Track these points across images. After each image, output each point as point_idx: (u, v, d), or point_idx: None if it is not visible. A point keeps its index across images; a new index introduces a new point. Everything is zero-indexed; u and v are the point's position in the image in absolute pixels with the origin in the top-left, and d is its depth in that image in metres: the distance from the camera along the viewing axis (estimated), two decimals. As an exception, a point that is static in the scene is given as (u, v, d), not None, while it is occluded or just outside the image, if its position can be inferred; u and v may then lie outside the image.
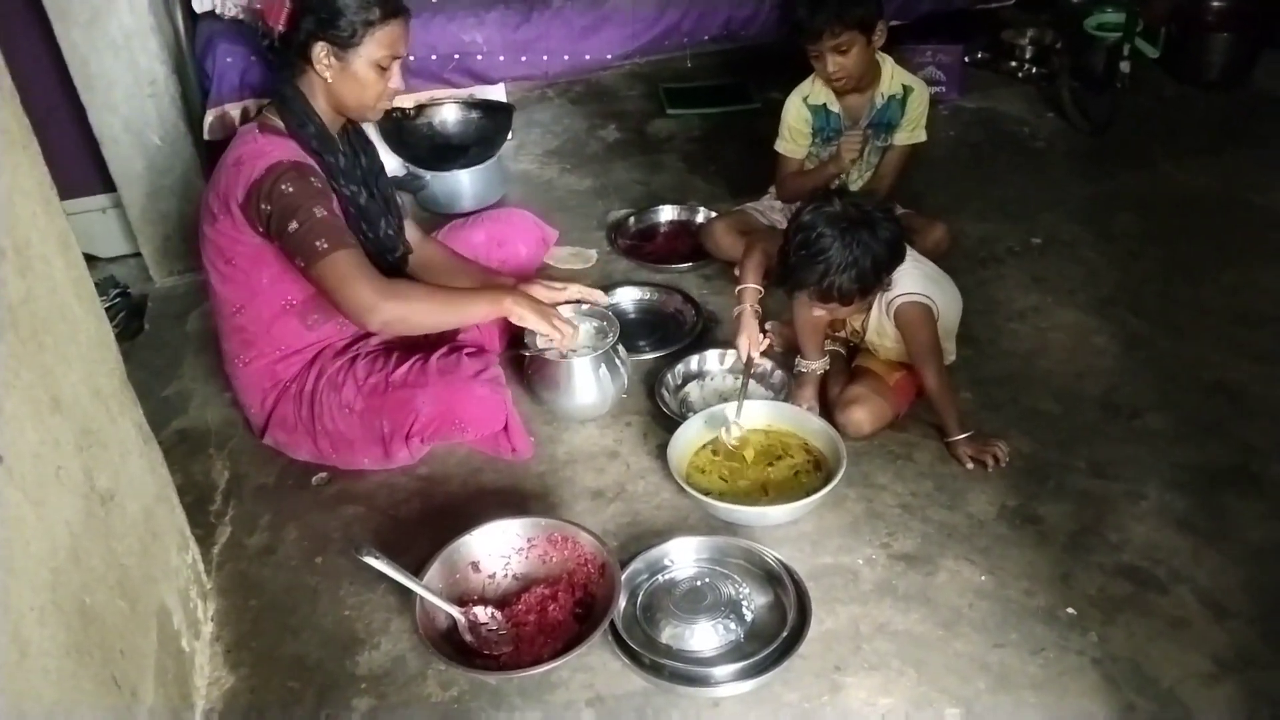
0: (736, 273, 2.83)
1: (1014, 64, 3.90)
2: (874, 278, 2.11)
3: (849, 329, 2.41)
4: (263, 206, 1.98)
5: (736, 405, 2.27)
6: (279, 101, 2.11)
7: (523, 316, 2.15)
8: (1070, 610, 1.89)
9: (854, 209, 2.10)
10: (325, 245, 1.96)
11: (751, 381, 2.45)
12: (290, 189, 1.97)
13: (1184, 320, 2.61)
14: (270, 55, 2.18)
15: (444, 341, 2.28)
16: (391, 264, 2.27)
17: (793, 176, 2.84)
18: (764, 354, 2.41)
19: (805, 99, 2.77)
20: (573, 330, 2.24)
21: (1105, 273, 2.81)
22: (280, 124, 2.09)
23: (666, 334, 2.69)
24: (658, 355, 2.58)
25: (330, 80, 2.07)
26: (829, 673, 1.80)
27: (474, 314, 2.18)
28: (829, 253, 2.06)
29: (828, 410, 2.34)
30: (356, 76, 2.07)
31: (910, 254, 2.22)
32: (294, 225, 1.96)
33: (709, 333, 2.67)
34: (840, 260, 2.06)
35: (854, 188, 2.79)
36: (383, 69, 2.08)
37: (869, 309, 2.27)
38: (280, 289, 2.13)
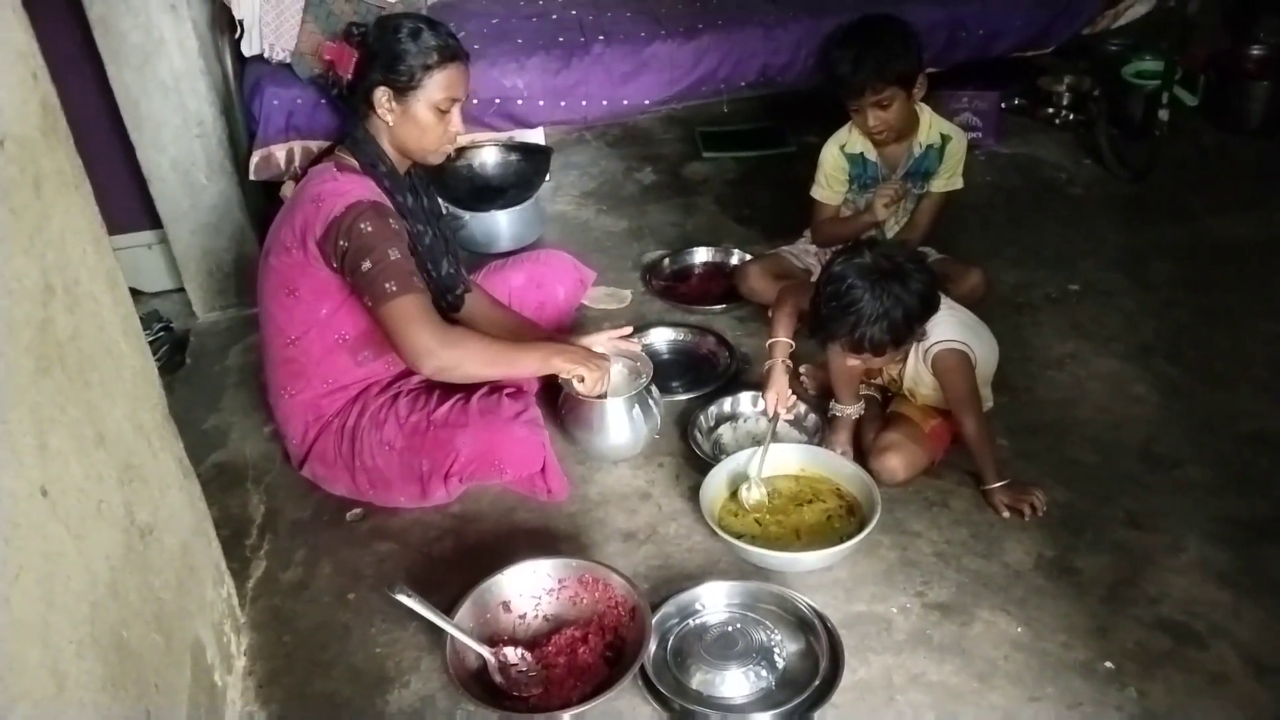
0: (770, 315, 2.84)
1: (1051, 110, 3.89)
2: (906, 329, 2.10)
3: (885, 377, 2.40)
4: (340, 243, 2.04)
5: (758, 463, 2.26)
6: (350, 144, 2.19)
7: (570, 371, 2.22)
8: (1108, 664, 1.86)
9: (885, 260, 2.09)
10: (394, 288, 2.00)
11: (786, 425, 2.45)
12: (369, 228, 2.02)
13: (1223, 370, 2.58)
14: (340, 103, 2.27)
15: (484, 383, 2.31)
16: (451, 303, 2.33)
17: (828, 223, 2.85)
18: (796, 399, 2.41)
19: (842, 147, 2.78)
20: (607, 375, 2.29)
21: (1143, 321, 2.79)
22: (354, 163, 2.16)
23: (700, 375, 2.69)
24: (690, 396, 2.58)
25: (392, 124, 2.16)
26: (861, 723, 1.78)
27: (524, 368, 2.24)
28: (860, 304, 2.05)
29: (862, 456, 2.32)
30: (416, 120, 2.15)
31: (945, 302, 2.21)
32: (367, 264, 2.01)
33: (742, 374, 2.67)
34: (871, 312, 2.04)
35: (889, 234, 2.80)
36: (442, 112, 2.16)
37: (905, 358, 2.26)
38: (336, 323, 2.18)
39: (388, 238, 2.04)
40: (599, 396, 2.29)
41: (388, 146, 2.19)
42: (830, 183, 2.81)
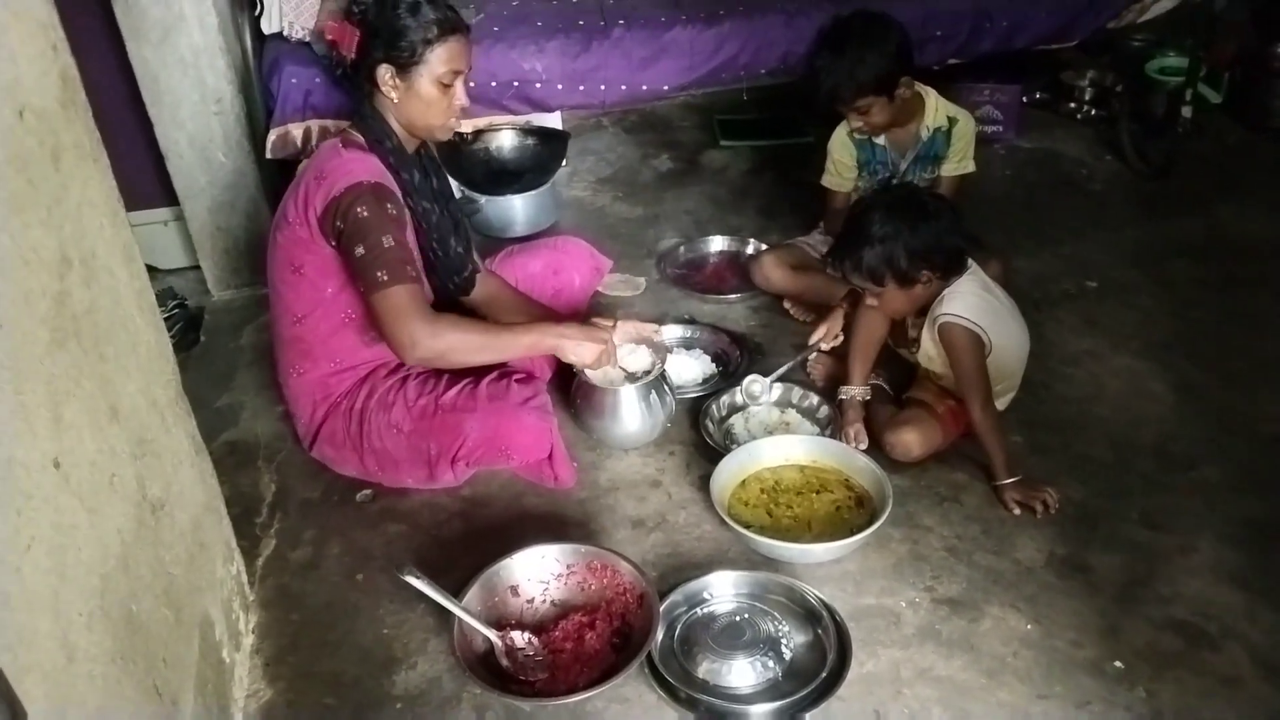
0: (785, 305, 2.84)
1: (1073, 105, 3.86)
2: (898, 264, 2.17)
3: (909, 338, 2.40)
4: (337, 223, 2.04)
5: (777, 370, 2.49)
6: (359, 122, 2.18)
7: (570, 350, 2.19)
8: (1118, 664, 1.85)
9: (908, 197, 2.25)
10: (385, 277, 2.01)
11: (798, 416, 2.45)
12: (365, 213, 2.02)
13: (1242, 370, 2.55)
14: (343, 82, 2.26)
15: (494, 367, 2.31)
16: (459, 284, 2.33)
17: (840, 211, 2.83)
18: (840, 337, 2.48)
19: (850, 133, 2.77)
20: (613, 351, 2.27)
21: (1162, 319, 2.77)
22: (360, 140, 2.15)
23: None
24: (700, 394, 2.54)
25: (397, 101, 2.14)
26: (868, 717, 1.77)
27: (514, 352, 2.23)
28: (867, 228, 2.18)
29: (875, 435, 2.32)
30: (420, 95, 2.13)
31: (980, 281, 2.26)
32: (360, 250, 2.02)
33: (754, 367, 2.65)
34: (872, 236, 2.17)
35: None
36: (445, 86, 2.13)
37: (925, 320, 2.27)
38: (343, 300, 2.18)
39: (384, 223, 2.03)
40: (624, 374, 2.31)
41: (395, 124, 2.17)
42: (840, 170, 2.81)
